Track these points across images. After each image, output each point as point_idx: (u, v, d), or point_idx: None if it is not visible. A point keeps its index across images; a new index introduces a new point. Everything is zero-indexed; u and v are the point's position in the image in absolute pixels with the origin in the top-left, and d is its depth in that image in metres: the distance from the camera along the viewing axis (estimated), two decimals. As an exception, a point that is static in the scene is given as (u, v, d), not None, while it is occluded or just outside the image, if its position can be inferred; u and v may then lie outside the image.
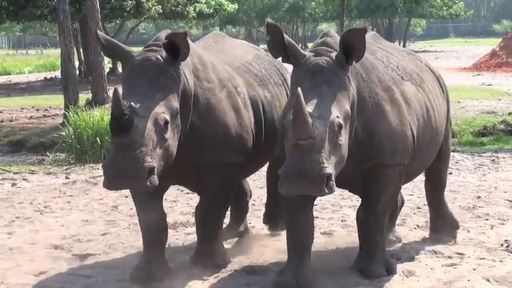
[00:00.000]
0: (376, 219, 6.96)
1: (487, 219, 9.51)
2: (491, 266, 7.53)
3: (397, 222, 9.30)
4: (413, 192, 11.21)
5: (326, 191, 5.78)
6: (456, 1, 74.11)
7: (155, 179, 5.97)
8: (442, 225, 8.48)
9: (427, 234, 8.75)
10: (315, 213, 9.22)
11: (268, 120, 7.47)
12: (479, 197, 10.85)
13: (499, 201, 10.56)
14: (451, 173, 12.78)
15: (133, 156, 5.88)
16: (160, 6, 37.43)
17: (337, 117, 5.98)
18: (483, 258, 7.81)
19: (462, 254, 7.97)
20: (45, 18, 37.19)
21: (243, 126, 7.05)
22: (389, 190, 6.96)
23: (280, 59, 6.61)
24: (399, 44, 77.93)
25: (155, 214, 7.00)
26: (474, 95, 23.93)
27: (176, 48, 6.31)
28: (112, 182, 5.98)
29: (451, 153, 14.90)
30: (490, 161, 14.20)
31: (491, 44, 52.04)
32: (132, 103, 5.98)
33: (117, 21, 40.81)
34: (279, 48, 6.39)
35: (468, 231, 8.88)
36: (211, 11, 42.47)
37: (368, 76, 6.71)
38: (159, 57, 6.39)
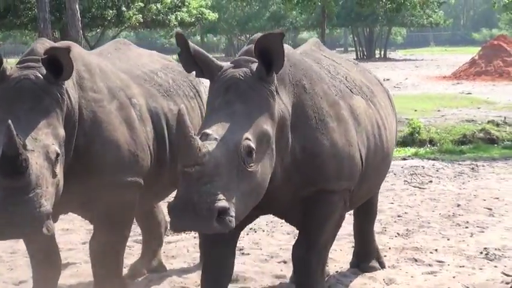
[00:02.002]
0: (317, 255, 5.96)
1: (466, 227, 9.56)
2: (471, 274, 7.58)
3: (378, 230, 9.36)
4: (394, 201, 11.28)
5: (218, 227, 4.70)
6: (436, 10, 74.59)
7: (52, 224, 5.05)
8: (366, 256, 7.75)
9: (407, 242, 8.79)
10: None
11: (173, 135, 6.37)
12: (459, 205, 10.91)
13: (478, 209, 10.63)
14: (431, 181, 12.89)
15: (27, 201, 4.88)
16: (141, 15, 37.46)
17: (246, 139, 4.91)
18: (463, 266, 7.86)
19: (442, 261, 8.01)
20: (25, 27, 37.18)
21: (137, 143, 6.03)
22: (332, 220, 5.98)
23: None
24: (379, 53, 78.77)
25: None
26: (454, 103, 24.11)
27: (58, 65, 5.28)
28: (2, 232, 4.90)
29: (431, 162, 15.24)
30: (470, 169, 14.28)
31: (470, 52, 52.41)
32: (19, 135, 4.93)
33: (98, 30, 40.76)
34: (192, 61, 5.43)
35: (448, 239, 8.93)
36: (193, 19, 42.61)
37: (312, 87, 5.72)
38: (39, 75, 5.33)
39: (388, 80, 38.53)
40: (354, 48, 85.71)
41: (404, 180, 13.07)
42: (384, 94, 7.04)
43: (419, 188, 12.36)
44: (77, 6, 20.46)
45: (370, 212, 7.67)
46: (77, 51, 5.89)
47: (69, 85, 5.54)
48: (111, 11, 36.24)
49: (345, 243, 8.73)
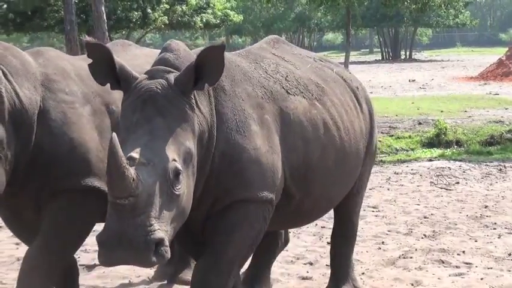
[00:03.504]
0: (219, 278, 5.16)
1: (494, 229, 9.49)
2: (499, 276, 7.51)
3: (404, 231, 9.31)
4: (420, 202, 11.22)
5: (154, 260, 4.39)
6: (462, 10, 74.10)
7: None
8: (340, 281, 6.80)
9: (434, 243, 8.73)
10: (322, 223, 9.29)
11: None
12: (486, 206, 10.83)
13: (506, 211, 10.54)
14: (458, 182, 12.80)
15: None
16: (166, 17, 37.61)
17: (174, 160, 4.55)
18: (491, 268, 7.79)
19: (470, 263, 7.95)
20: (52, 29, 37.50)
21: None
22: (244, 234, 5.22)
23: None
24: (405, 54, 78.42)
25: None
26: (481, 104, 23.93)
27: None
28: None
29: (458, 163, 15.15)
30: (497, 170, 14.17)
31: (497, 53, 52.03)
32: None
33: (124, 32, 41.00)
34: (106, 72, 4.90)
35: (476, 241, 8.86)
36: (218, 21, 42.70)
37: (233, 89, 5.27)
38: None
39: (413, 80, 38.41)
40: (379, 49, 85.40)
41: (431, 182, 12.99)
42: (343, 91, 6.28)
43: (446, 189, 12.28)
44: (103, 8, 20.56)
45: (348, 233, 6.80)
46: (51, 54, 5.82)
47: (24, 85, 5.36)
48: (136, 13, 36.41)
49: (371, 244, 8.70)
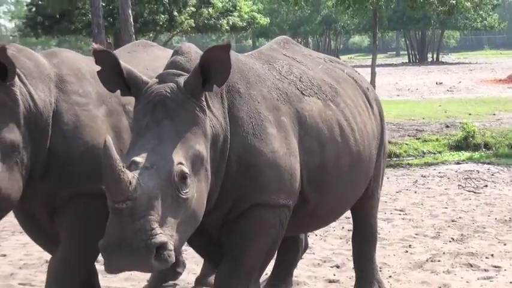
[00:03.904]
0: (240, 282, 5.17)
1: (523, 232, 9.40)
2: (529, 280, 7.43)
3: (432, 235, 9.24)
4: (448, 205, 11.13)
5: (157, 265, 4.33)
6: (490, 13, 73.61)
7: None
8: (366, 286, 6.75)
9: (462, 247, 8.66)
10: (349, 226, 9.24)
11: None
12: (515, 210, 10.73)
13: (535, 214, 10.44)
14: (486, 186, 12.69)
15: None
16: (192, 20, 37.71)
17: (180, 164, 4.49)
18: (520, 272, 7.71)
19: (498, 267, 7.87)
20: (79, 32, 37.76)
21: (123, 152, 5.40)
22: (262, 241, 5.20)
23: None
24: (432, 56, 78.01)
25: None
26: (510, 107, 23.73)
27: (2, 68, 4.98)
28: None
29: (487, 166, 15.03)
30: (526, 173, 14.05)
31: (526, 55, 51.57)
32: None
33: (151, 35, 41.19)
34: (115, 78, 4.89)
35: (505, 244, 8.77)
36: (244, 24, 42.73)
37: (248, 91, 5.20)
38: None
39: (441, 83, 38.17)
40: (406, 52, 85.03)
41: (459, 185, 12.89)
42: (357, 92, 6.25)
43: (474, 192, 12.17)
44: (130, 12, 20.67)
45: (367, 236, 6.72)
46: (66, 55, 5.74)
47: (38, 87, 5.29)
48: (163, 16, 36.57)
49: (398, 247, 8.64)
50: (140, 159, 4.43)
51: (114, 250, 4.31)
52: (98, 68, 4.93)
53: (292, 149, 5.23)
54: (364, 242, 6.71)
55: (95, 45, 4.97)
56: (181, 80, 4.78)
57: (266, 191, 5.08)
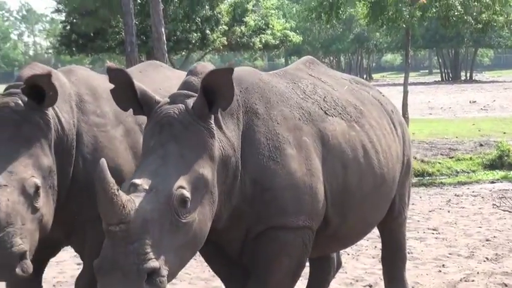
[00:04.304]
0: None
1: (559, 253, 9.26)
2: None
3: (465, 254, 9.14)
4: (482, 224, 11.01)
5: None
6: (524, 31, 73.02)
7: (28, 264, 4.70)
8: None
9: (496, 266, 8.55)
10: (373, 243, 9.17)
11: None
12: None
13: None
14: (521, 205, 12.55)
15: None
16: (225, 38, 37.88)
17: (180, 187, 4.40)
18: (556, 293, 7.59)
19: (534, 288, 7.76)
20: (113, 50, 38.11)
21: None
22: (284, 264, 5.10)
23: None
24: (465, 75, 77.48)
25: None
26: (546, 126, 23.48)
27: (40, 92, 4.95)
28: None
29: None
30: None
31: (561, 74, 51.04)
32: None
33: (183, 53, 41.44)
34: (128, 97, 4.82)
35: (540, 265, 8.66)
36: (277, 42, 42.83)
37: (267, 112, 5.13)
38: (20, 102, 4.99)
39: (474, 102, 37.90)
40: (438, 70, 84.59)
41: (493, 204, 12.75)
42: (382, 114, 6.18)
43: (509, 211, 12.03)
44: (163, 30, 20.81)
45: (396, 254, 6.67)
46: (82, 73, 5.69)
47: (63, 109, 5.26)
48: (195, 34, 36.77)
49: (431, 267, 8.56)
50: (139, 181, 4.36)
51: (106, 272, 4.25)
52: (112, 86, 4.89)
53: (313, 169, 5.13)
54: (393, 260, 6.64)
55: (109, 63, 4.92)
56: (191, 102, 4.70)
57: (284, 214, 4.99)
